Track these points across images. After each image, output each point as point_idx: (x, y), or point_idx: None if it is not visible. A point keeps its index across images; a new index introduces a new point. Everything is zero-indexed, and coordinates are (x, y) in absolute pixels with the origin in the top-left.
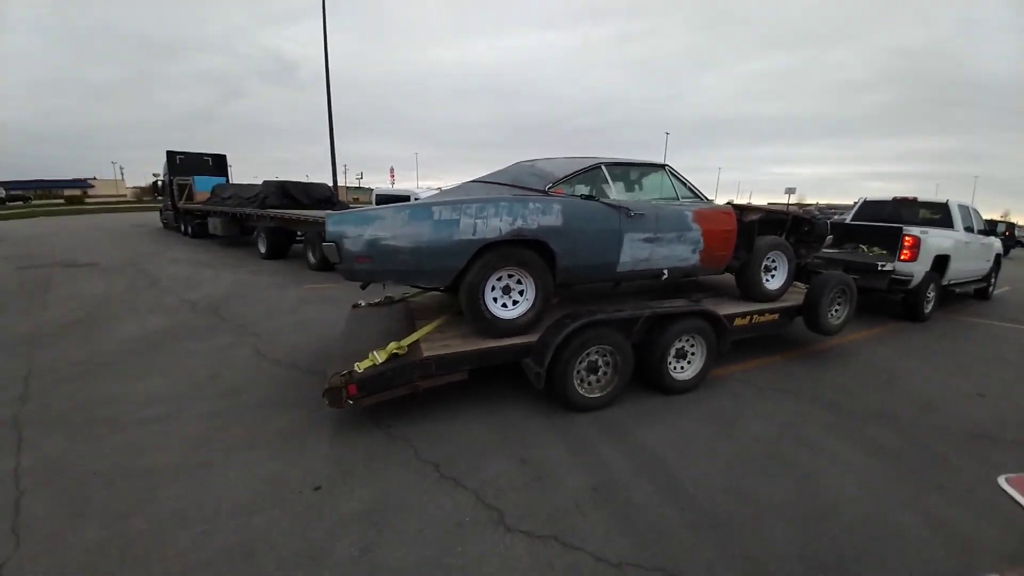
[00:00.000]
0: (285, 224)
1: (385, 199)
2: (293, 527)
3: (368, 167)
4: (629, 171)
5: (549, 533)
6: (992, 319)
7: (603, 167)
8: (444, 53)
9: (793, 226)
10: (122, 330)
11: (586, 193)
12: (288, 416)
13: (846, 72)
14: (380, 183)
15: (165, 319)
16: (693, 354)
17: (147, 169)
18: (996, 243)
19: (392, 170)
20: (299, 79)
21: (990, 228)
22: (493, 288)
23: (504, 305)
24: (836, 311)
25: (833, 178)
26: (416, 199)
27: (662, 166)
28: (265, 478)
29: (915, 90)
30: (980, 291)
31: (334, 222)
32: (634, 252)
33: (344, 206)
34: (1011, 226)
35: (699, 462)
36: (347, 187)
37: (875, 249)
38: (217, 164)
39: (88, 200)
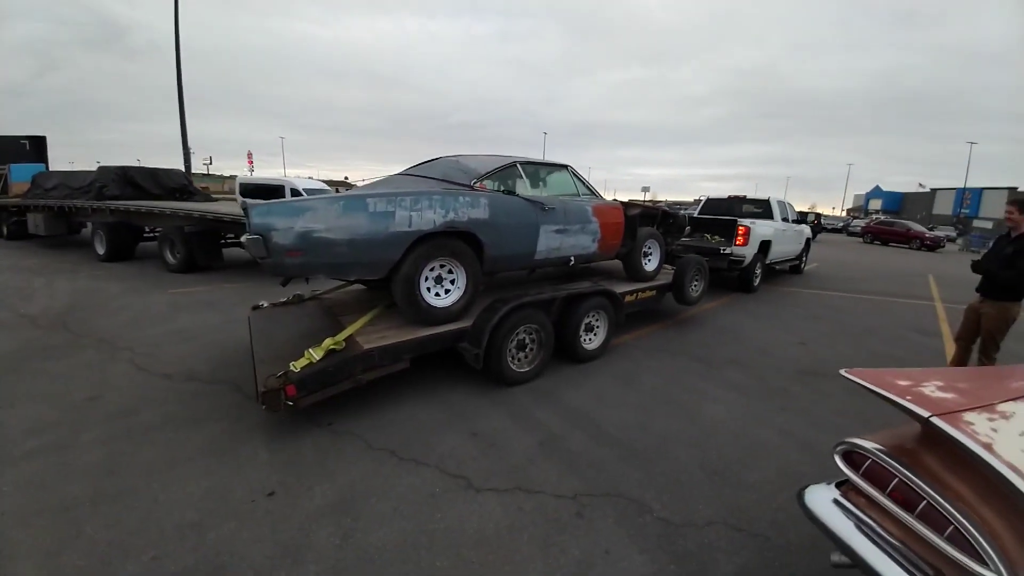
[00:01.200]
0: (130, 219)
1: (253, 191)
2: (258, 534)
3: (220, 151)
4: (539, 169)
5: (512, 486)
6: (804, 288)
7: (518, 165)
8: (313, 28)
9: (662, 219)
10: None
11: (506, 189)
12: (206, 430)
13: (690, 88)
14: (234, 170)
15: (6, 338)
16: (598, 327)
17: None
18: (806, 230)
19: (250, 155)
20: (128, 46)
21: (801, 218)
22: (426, 278)
23: (437, 294)
24: (695, 286)
25: (677, 178)
26: (294, 192)
27: (565, 166)
28: (204, 495)
29: (745, 104)
30: (794, 268)
31: (260, 213)
32: (548, 242)
33: (205, 196)
34: (818, 216)
35: (615, 411)
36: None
37: (716, 237)
38: (36, 148)
39: None
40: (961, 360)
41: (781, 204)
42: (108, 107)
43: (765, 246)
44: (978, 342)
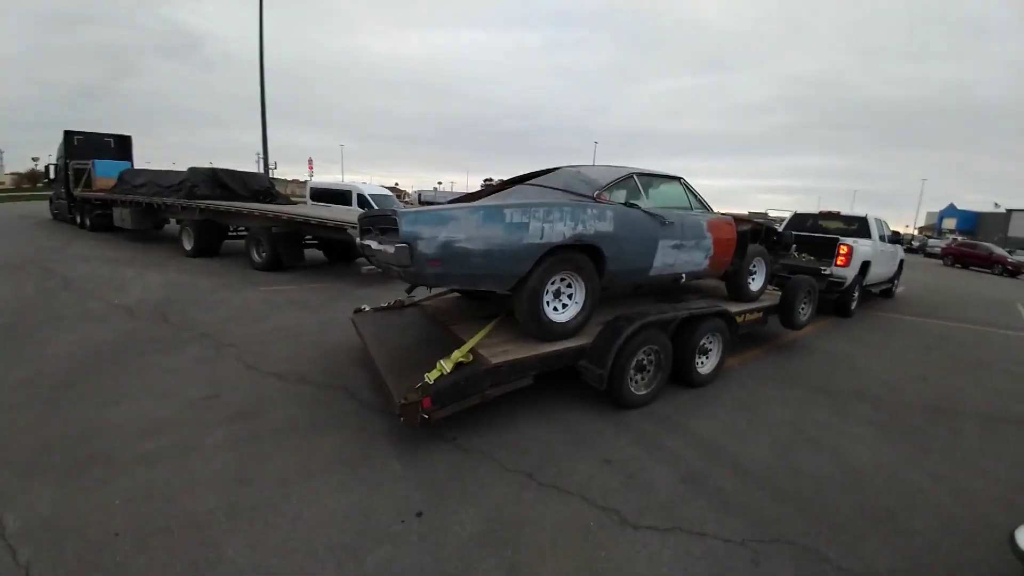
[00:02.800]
0: (219, 217)
1: (323, 195)
2: (419, 562)
3: (283, 157)
4: (653, 181)
5: (671, 525)
6: (902, 314)
7: (635, 177)
8: (374, 42)
9: (765, 236)
10: (57, 343)
11: (625, 201)
12: (331, 438)
13: (747, 95)
14: (296, 174)
15: (104, 328)
16: (710, 350)
17: (27, 153)
18: (900, 251)
19: (311, 161)
20: (204, 56)
21: (895, 238)
22: (547, 292)
23: (555, 309)
24: (803, 309)
25: (733, 189)
26: (360, 196)
27: (679, 178)
28: (349, 512)
29: (807, 113)
30: (885, 291)
31: (409, 221)
32: (664, 257)
33: (287, 199)
34: (896, 235)
35: (751, 447)
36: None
37: (805, 255)
38: (121, 147)
39: None
40: None
41: (878, 222)
42: (183, 113)
43: (865, 267)
44: None
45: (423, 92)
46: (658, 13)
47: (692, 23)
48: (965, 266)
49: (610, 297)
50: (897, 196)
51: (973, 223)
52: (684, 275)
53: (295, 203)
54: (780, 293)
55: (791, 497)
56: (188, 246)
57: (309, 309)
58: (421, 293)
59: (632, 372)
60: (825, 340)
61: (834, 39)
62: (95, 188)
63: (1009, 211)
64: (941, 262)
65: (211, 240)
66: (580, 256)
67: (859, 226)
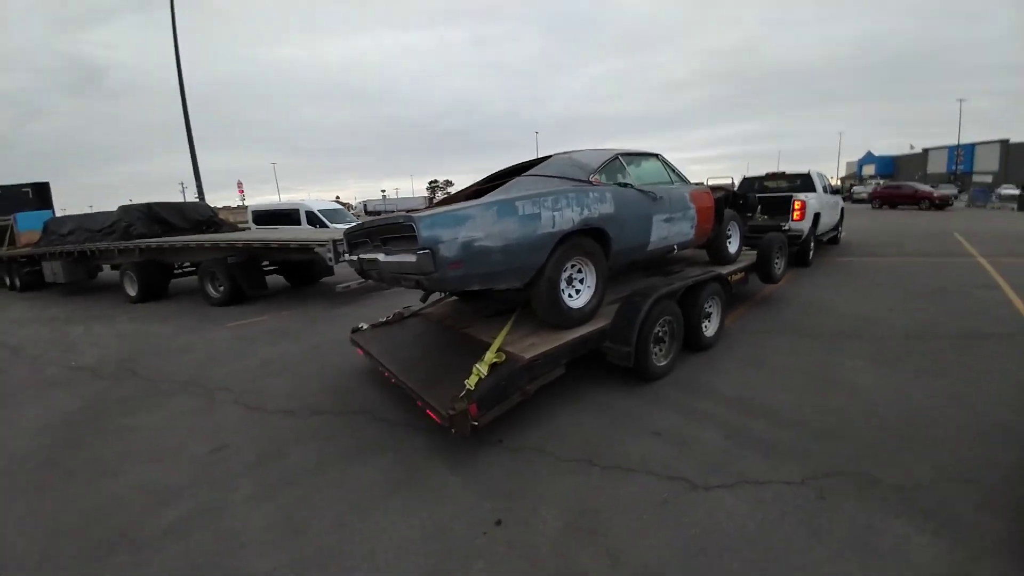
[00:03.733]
0: (161, 256)
1: (268, 218)
2: (519, 567)
3: (209, 183)
4: (635, 159)
5: (736, 480)
6: (852, 256)
7: (620, 157)
8: (292, 52)
9: (734, 200)
10: (24, 419)
11: (617, 182)
12: (373, 465)
13: (669, 73)
14: (225, 200)
15: (71, 395)
16: (711, 313)
17: None
18: (840, 200)
19: (240, 184)
20: (108, 88)
21: (835, 189)
22: (563, 280)
23: (570, 295)
24: (777, 263)
25: None
26: (310, 214)
27: (656, 155)
28: (423, 537)
29: (726, 85)
30: (832, 239)
31: (427, 226)
32: (659, 231)
33: (232, 227)
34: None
35: (771, 394)
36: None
37: (761, 215)
38: (40, 195)
39: None
40: None
41: (820, 176)
42: (93, 150)
43: (816, 218)
44: None
45: (354, 99)
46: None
47: (610, 6)
48: (893, 206)
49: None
50: (818, 151)
51: (891, 166)
52: (676, 246)
53: (241, 230)
54: (756, 252)
55: (825, 433)
56: (132, 292)
57: (291, 338)
58: (413, 302)
59: (652, 345)
60: (795, 290)
61: (744, 12)
62: (20, 244)
63: (925, 150)
64: (869, 206)
65: (157, 282)
66: (587, 240)
67: (803, 182)
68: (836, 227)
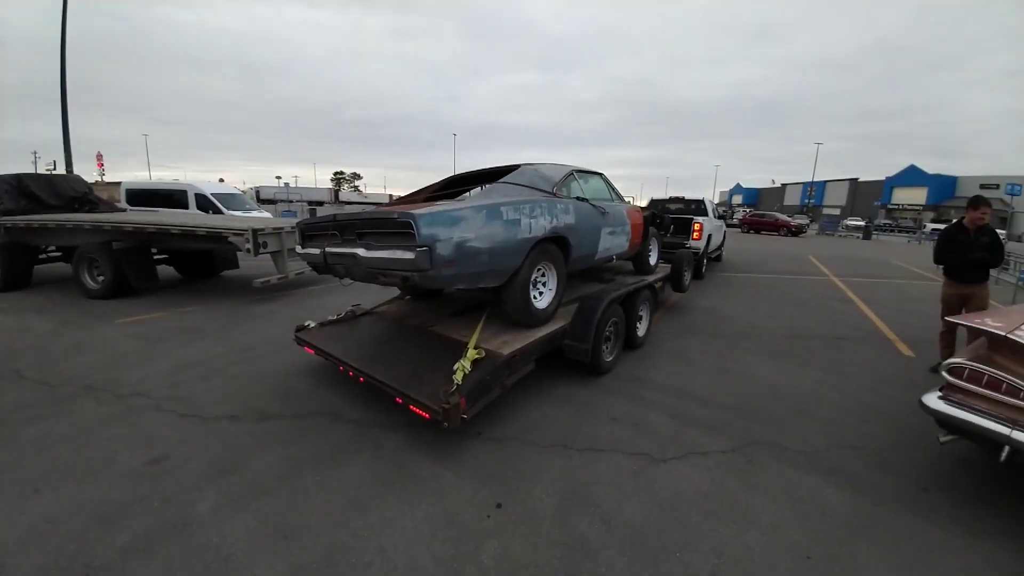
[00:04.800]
0: (29, 237)
1: (146, 198)
2: (530, 543)
3: (60, 153)
4: (586, 176)
5: (685, 452)
6: (733, 272)
7: (575, 173)
8: (175, 12)
9: (652, 220)
10: None
11: (573, 196)
12: (354, 465)
13: (580, 94)
14: (82, 174)
15: None
16: (642, 316)
17: None
18: (723, 224)
19: (99, 156)
20: None
21: (721, 214)
22: (532, 283)
23: (535, 297)
24: (686, 275)
25: None
26: (200, 197)
27: (600, 174)
28: (430, 525)
29: (627, 112)
30: (717, 256)
31: (427, 223)
32: (604, 242)
33: (111, 206)
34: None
35: (696, 382)
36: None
37: (666, 235)
38: None
39: None
40: (951, 341)
41: (711, 202)
42: None
43: (709, 239)
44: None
45: (248, 72)
46: (498, 8)
47: (529, 22)
48: (758, 232)
49: None
50: (697, 179)
51: (755, 197)
52: (615, 256)
53: (119, 209)
54: (670, 265)
55: (742, 412)
56: None
57: (209, 338)
58: (341, 299)
59: (603, 343)
60: (694, 298)
61: (645, 46)
62: None
63: (784, 185)
64: (739, 230)
65: (21, 268)
66: (553, 247)
67: (697, 207)
68: (720, 247)
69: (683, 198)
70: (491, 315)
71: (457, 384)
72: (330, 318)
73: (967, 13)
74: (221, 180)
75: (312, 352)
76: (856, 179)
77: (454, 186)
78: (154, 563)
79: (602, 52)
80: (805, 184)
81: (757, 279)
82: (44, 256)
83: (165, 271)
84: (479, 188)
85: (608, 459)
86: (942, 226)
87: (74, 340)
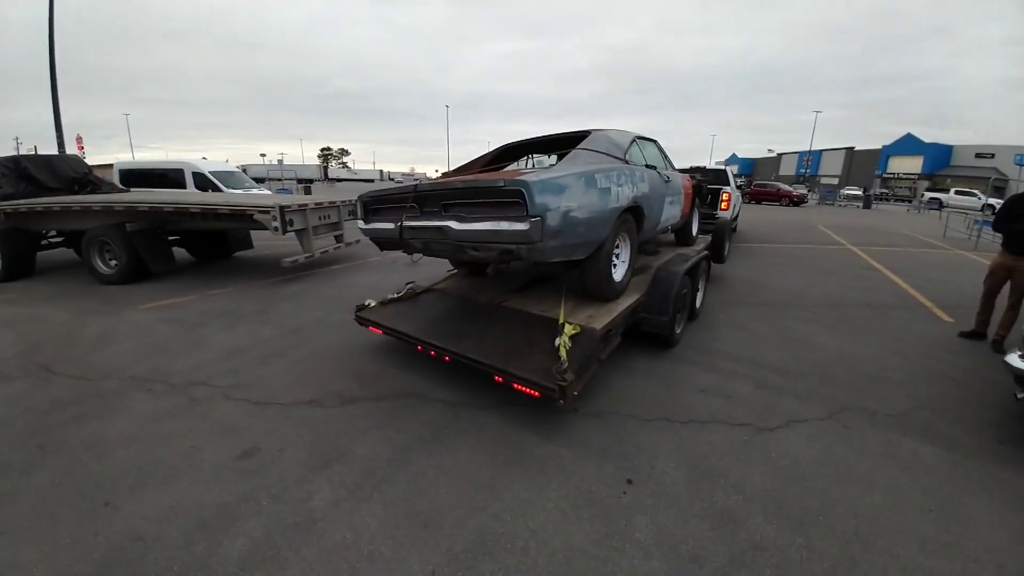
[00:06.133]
0: (31, 222)
1: (139, 178)
2: (675, 514)
3: (38, 137)
4: (645, 143)
5: (785, 421)
6: (751, 243)
7: (636, 140)
8: None
9: (694, 190)
10: None
11: (649, 164)
12: (461, 445)
13: (571, 62)
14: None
15: None
16: (699, 287)
17: None
18: (739, 194)
19: (80, 139)
20: None
21: (739, 184)
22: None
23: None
24: (727, 246)
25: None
26: (197, 175)
27: (655, 140)
28: (570, 506)
29: (620, 81)
30: (733, 228)
31: (540, 190)
32: (666, 212)
33: (112, 186)
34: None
35: (766, 352)
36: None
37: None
38: None
39: None
40: (989, 309)
41: (731, 173)
42: None
43: (735, 209)
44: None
45: (226, 43)
46: None
47: None
48: (759, 202)
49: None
50: (692, 149)
51: (751, 167)
52: (670, 225)
53: (122, 190)
54: (710, 236)
55: (822, 379)
56: None
57: (251, 320)
58: (373, 276)
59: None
60: (729, 270)
61: (639, 14)
62: None
63: (779, 155)
64: (743, 201)
65: (25, 255)
66: (630, 217)
67: (719, 177)
68: (735, 218)
69: (704, 167)
70: (552, 288)
71: (566, 361)
72: (390, 296)
73: None
74: (204, 159)
75: (379, 332)
76: (852, 148)
77: (507, 156)
78: (289, 570)
79: (593, 20)
80: (801, 153)
81: (779, 249)
82: (46, 242)
83: (178, 253)
84: (545, 157)
85: (713, 430)
86: (940, 195)
87: (100, 329)
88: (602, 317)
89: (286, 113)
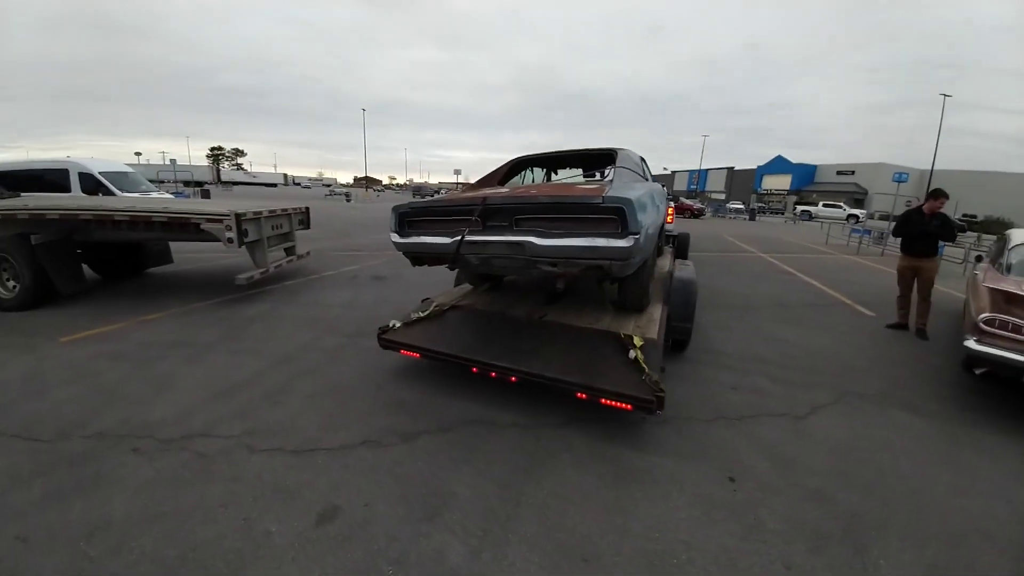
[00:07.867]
0: None
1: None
2: (782, 502)
3: None
4: (644, 161)
5: (812, 408)
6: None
7: (642, 159)
8: None
9: None
10: None
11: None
12: (561, 467)
13: (486, 76)
14: None
15: None
16: None
17: None
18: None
19: None
20: None
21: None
22: None
23: None
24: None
25: (482, 162)
26: (85, 176)
27: (640, 157)
28: (686, 504)
29: (531, 96)
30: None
31: (639, 208)
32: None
33: (12, 193)
34: None
35: (755, 347)
36: None
37: None
38: None
39: None
40: (907, 303)
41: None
42: None
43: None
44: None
45: (99, 28)
46: None
47: None
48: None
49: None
50: None
51: None
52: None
53: (14, 195)
54: (674, 247)
55: (810, 370)
56: None
57: (223, 351)
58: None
59: None
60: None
61: (549, 33)
62: None
63: (673, 172)
64: None
65: None
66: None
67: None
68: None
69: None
70: (576, 300)
71: (649, 372)
72: (413, 315)
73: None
74: (68, 158)
75: (414, 355)
76: (732, 167)
77: (519, 170)
78: None
79: (508, 35)
80: (691, 171)
81: (707, 258)
82: None
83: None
84: (578, 170)
85: (763, 423)
86: (810, 208)
87: (20, 371)
88: (650, 327)
89: (169, 109)
